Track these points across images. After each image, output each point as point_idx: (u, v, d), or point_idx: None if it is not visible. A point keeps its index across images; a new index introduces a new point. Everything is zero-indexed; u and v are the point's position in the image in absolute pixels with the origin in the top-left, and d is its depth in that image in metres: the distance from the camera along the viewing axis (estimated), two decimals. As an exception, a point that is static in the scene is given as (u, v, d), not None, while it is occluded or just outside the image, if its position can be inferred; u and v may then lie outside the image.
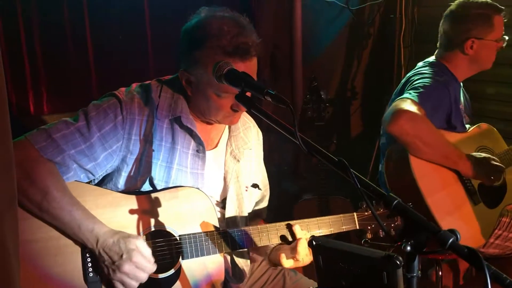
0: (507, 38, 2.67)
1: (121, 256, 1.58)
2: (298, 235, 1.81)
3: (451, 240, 1.05)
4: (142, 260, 1.60)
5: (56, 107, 3.06)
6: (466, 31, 2.64)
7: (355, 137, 4.41)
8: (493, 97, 3.68)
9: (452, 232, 1.06)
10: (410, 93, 2.50)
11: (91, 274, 1.64)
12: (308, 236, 1.83)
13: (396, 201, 1.16)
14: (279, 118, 1.38)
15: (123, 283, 1.60)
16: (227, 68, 1.47)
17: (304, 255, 1.76)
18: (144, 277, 1.61)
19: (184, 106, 1.83)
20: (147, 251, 1.62)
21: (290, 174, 4.05)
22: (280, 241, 1.84)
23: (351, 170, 1.23)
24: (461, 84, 2.78)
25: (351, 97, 4.22)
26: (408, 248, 1.10)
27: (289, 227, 1.84)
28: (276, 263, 1.87)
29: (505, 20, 2.66)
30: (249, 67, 1.70)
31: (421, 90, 2.50)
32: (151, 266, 1.62)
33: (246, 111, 1.95)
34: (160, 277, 1.69)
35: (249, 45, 1.68)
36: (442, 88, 2.58)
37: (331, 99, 3.73)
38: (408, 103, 2.43)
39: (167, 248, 1.72)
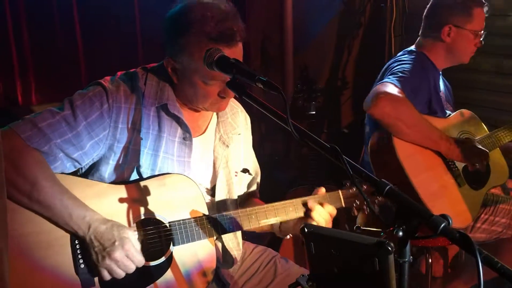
0: (484, 34, 2.66)
1: (113, 242, 1.58)
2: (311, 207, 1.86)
3: (442, 225, 1.05)
4: (133, 250, 1.60)
5: (45, 97, 3.03)
6: (445, 17, 2.69)
7: (346, 127, 4.41)
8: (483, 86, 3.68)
9: (444, 217, 1.06)
10: (389, 78, 2.54)
11: (82, 266, 1.63)
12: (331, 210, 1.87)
13: (388, 187, 1.16)
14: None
15: (110, 271, 1.59)
16: (218, 54, 1.46)
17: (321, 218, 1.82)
18: (132, 268, 1.61)
19: (171, 94, 1.81)
20: (138, 243, 1.63)
21: (282, 163, 4.05)
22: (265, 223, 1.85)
23: (343, 156, 1.23)
24: (440, 72, 2.81)
25: (342, 86, 4.22)
26: (400, 233, 1.11)
27: (304, 204, 1.87)
28: (290, 230, 1.90)
29: (487, 15, 2.68)
30: (235, 52, 1.69)
31: (401, 74, 2.54)
32: (141, 258, 1.62)
33: (236, 98, 1.94)
34: (151, 264, 1.69)
35: (234, 31, 1.67)
36: (421, 73, 2.62)
37: (321, 89, 3.73)
38: (388, 86, 2.46)
39: (157, 236, 1.71)
